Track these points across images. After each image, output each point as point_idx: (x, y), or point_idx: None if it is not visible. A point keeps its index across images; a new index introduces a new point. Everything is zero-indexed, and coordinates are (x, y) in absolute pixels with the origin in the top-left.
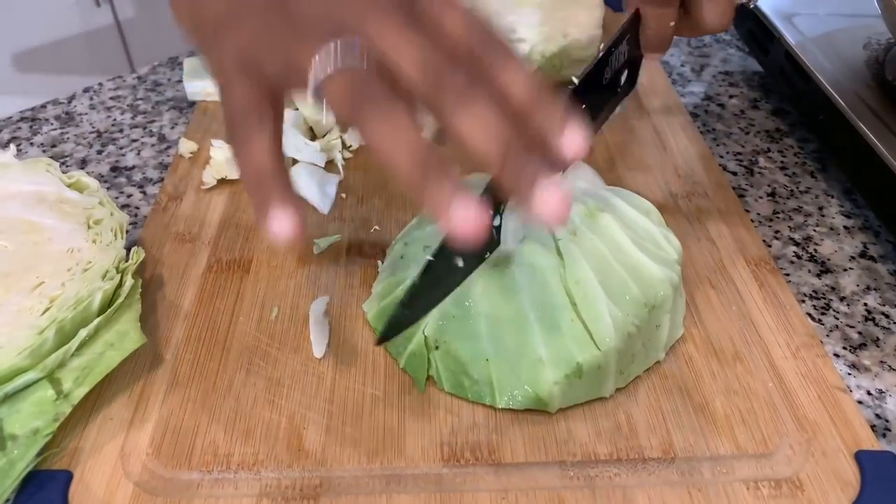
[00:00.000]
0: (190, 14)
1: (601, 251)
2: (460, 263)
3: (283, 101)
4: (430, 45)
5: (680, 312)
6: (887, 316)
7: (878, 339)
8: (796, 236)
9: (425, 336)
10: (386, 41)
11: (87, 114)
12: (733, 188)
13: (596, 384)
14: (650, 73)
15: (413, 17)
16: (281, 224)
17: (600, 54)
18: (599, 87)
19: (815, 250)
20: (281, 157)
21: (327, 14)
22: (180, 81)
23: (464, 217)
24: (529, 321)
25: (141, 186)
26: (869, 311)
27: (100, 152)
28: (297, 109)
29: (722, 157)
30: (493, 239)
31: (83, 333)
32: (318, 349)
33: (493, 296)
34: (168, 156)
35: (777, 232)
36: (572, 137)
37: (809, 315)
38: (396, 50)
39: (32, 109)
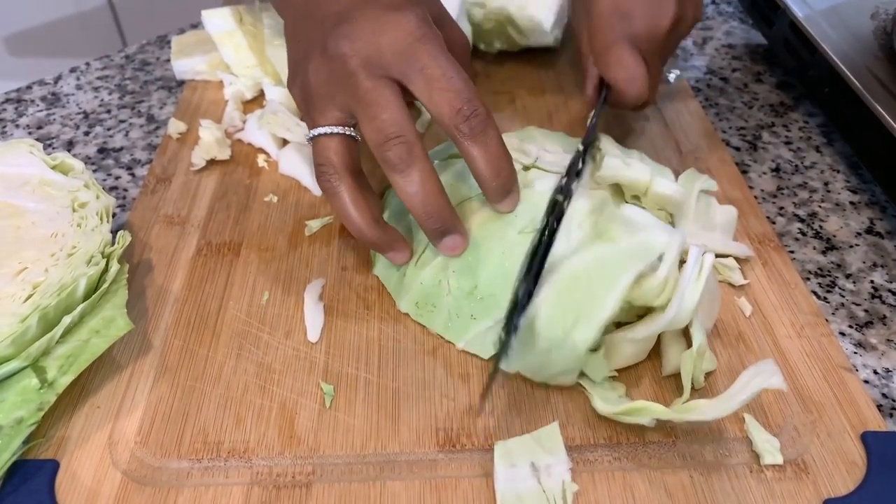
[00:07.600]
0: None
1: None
2: None
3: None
4: (461, 88)
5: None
6: (894, 293)
7: (884, 316)
8: (801, 212)
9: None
10: (429, 78)
11: (73, 94)
12: (736, 164)
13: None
14: None
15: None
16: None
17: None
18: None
19: (821, 227)
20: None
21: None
22: (169, 60)
23: (450, 245)
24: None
25: (129, 168)
26: (875, 289)
27: (87, 134)
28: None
29: (725, 132)
30: None
31: (67, 320)
32: (314, 333)
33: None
34: (157, 136)
35: (781, 208)
36: None
37: (814, 293)
38: (437, 92)
39: (18, 90)
